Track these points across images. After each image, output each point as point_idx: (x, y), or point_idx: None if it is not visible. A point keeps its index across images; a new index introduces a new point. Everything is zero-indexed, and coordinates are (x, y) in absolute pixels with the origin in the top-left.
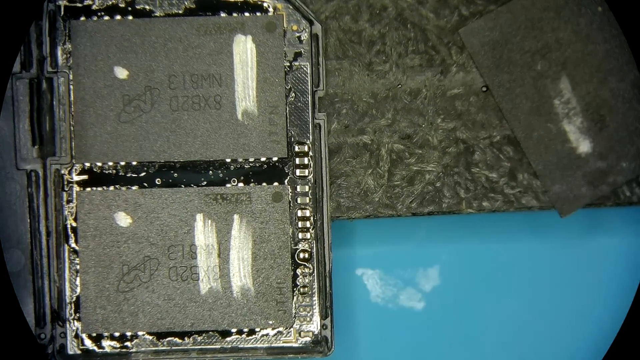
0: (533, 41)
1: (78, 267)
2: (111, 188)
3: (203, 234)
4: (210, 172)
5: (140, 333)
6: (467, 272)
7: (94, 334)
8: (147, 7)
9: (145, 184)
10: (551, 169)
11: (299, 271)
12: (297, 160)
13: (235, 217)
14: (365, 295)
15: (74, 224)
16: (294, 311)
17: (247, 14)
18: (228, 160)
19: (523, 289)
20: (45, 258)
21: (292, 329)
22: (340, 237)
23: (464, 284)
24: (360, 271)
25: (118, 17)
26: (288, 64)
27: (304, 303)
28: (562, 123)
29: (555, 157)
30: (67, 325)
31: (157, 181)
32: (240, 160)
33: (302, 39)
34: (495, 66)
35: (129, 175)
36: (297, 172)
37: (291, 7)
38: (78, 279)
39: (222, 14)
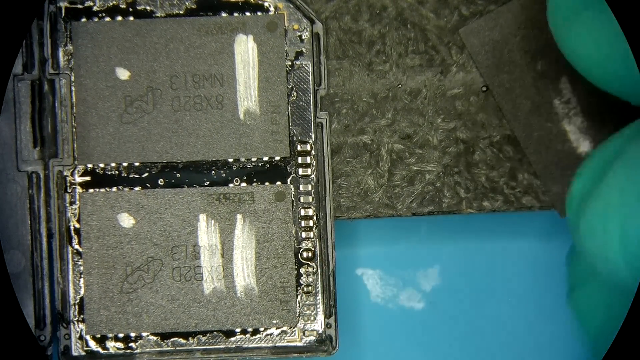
0: (533, 41)
1: (82, 268)
2: (114, 189)
3: (206, 234)
4: (213, 172)
5: (144, 334)
6: (467, 272)
7: (98, 335)
8: (148, 7)
9: (148, 185)
10: (551, 169)
11: (302, 270)
12: (300, 160)
13: (239, 216)
14: (366, 295)
15: (77, 226)
16: (298, 310)
17: (248, 14)
18: (230, 160)
19: (523, 289)
20: (46, 260)
21: (296, 328)
22: (340, 237)
23: (464, 284)
24: (360, 271)
25: (119, 18)
26: (289, 63)
27: (307, 302)
28: (563, 123)
29: (555, 157)
30: (71, 327)
31: (160, 182)
32: (243, 160)
33: (304, 38)
34: (495, 66)
35: (131, 176)
36: (300, 171)
37: (292, 6)
38: (82, 280)
39: (223, 14)
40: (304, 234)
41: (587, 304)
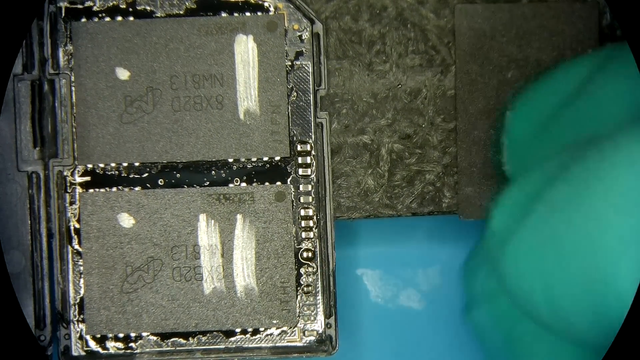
0: (516, 49)
1: (82, 268)
2: (114, 189)
3: (206, 234)
4: (213, 172)
5: (144, 334)
6: None
7: (98, 335)
8: (148, 7)
9: (148, 185)
10: (473, 170)
11: (302, 270)
12: (300, 160)
13: (239, 217)
14: (366, 295)
15: (77, 226)
16: (298, 310)
17: (248, 14)
18: (230, 160)
19: None
20: (46, 260)
21: (296, 328)
22: (340, 237)
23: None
24: (360, 271)
25: (119, 18)
26: (289, 63)
27: (307, 302)
28: (504, 136)
29: (482, 162)
30: (71, 327)
31: (160, 182)
32: (243, 160)
33: (304, 38)
34: (471, 54)
35: (131, 176)
36: (300, 171)
37: (292, 6)
38: (82, 280)
39: (223, 14)
40: (304, 234)
41: (491, 321)
